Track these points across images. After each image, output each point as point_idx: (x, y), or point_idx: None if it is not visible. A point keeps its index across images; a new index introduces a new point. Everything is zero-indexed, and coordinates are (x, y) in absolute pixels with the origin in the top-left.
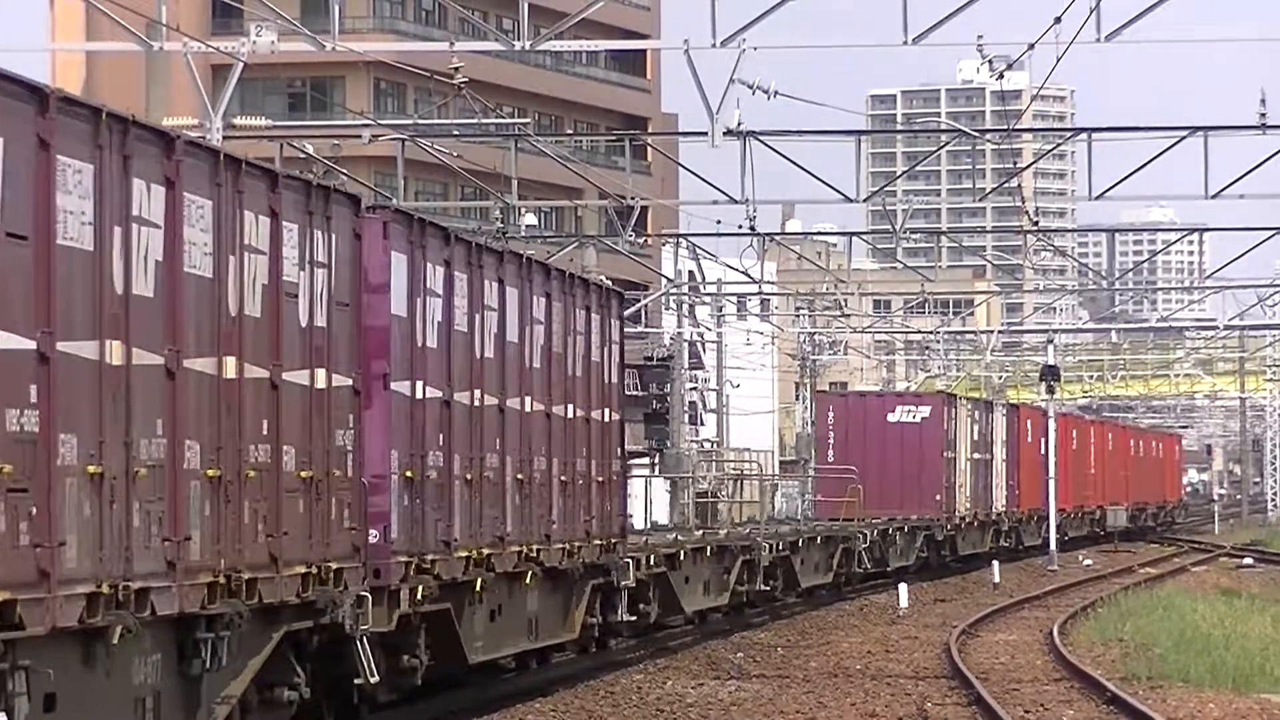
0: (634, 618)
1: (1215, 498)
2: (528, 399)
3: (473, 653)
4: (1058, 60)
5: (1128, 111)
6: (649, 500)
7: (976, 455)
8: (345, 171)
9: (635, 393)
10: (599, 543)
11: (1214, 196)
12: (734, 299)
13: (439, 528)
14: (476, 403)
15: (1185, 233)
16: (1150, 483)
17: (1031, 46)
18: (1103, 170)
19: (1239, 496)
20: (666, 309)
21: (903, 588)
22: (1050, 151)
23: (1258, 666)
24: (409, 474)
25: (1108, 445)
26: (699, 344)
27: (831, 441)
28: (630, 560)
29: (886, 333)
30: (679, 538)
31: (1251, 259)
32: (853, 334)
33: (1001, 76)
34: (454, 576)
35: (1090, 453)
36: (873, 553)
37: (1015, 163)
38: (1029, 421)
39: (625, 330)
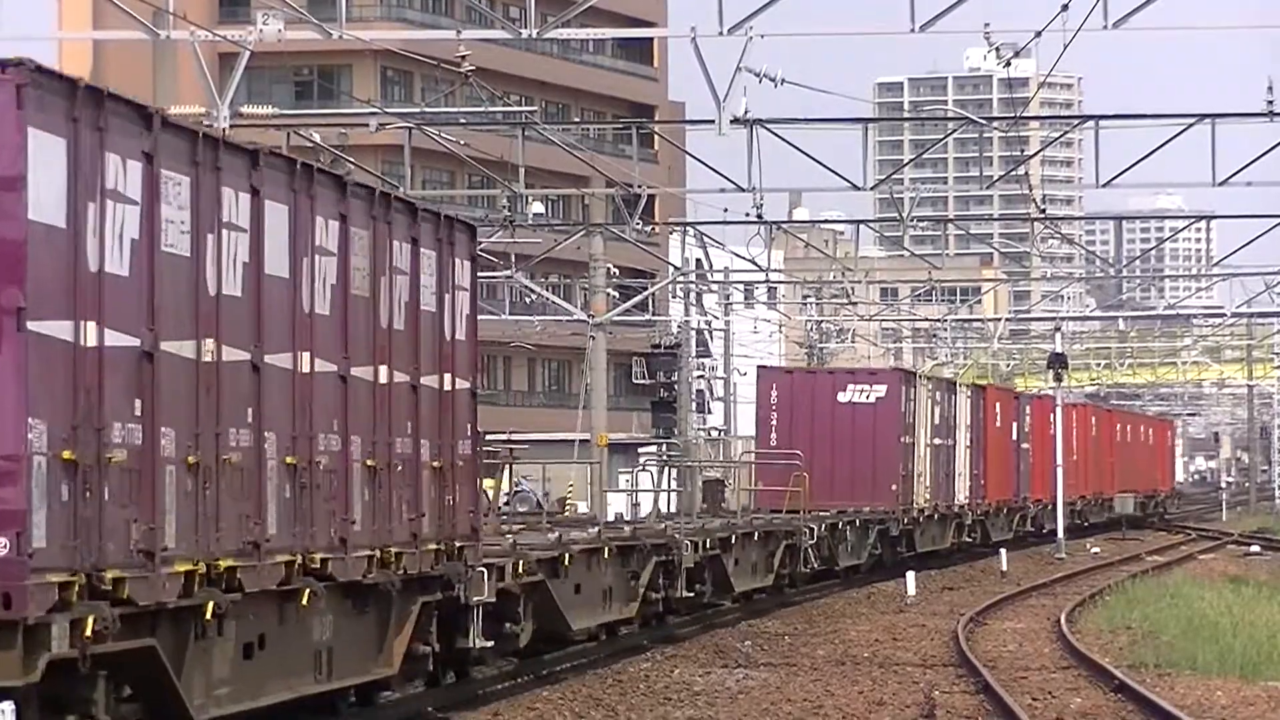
0: (491, 642)
1: (1223, 485)
2: (305, 355)
3: (202, 708)
4: (1065, 47)
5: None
6: (658, 491)
7: (937, 440)
8: (353, 160)
9: (643, 381)
10: (434, 548)
11: (1221, 184)
12: (741, 287)
13: (135, 531)
14: (209, 356)
15: (1192, 220)
16: (1139, 471)
17: (1039, 34)
18: (1110, 158)
19: (1246, 484)
20: (674, 297)
21: (910, 576)
22: (1057, 139)
23: (1265, 654)
24: (67, 455)
25: (1090, 430)
26: (706, 332)
27: (774, 424)
28: (485, 570)
29: (894, 320)
30: (563, 537)
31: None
32: (860, 322)
33: (1009, 64)
34: (159, 601)
35: (1070, 439)
36: (820, 550)
37: (1022, 150)
38: (998, 404)
39: (479, 273)
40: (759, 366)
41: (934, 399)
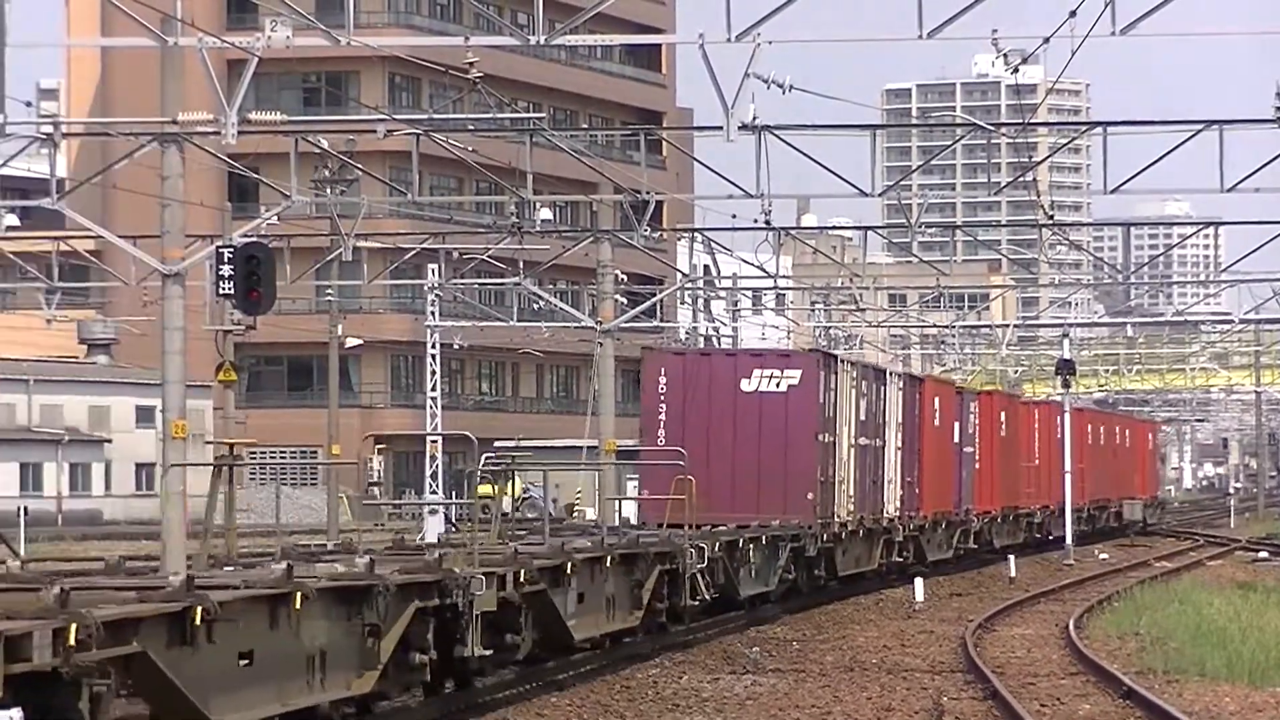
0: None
1: (1231, 491)
2: None
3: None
4: (1073, 54)
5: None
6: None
7: (864, 440)
8: (360, 166)
9: None
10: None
11: (1229, 190)
12: (749, 293)
13: None
14: None
15: (1201, 226)
16: (1112, 477)
17: (1047, 40)
18: (1118, 164)
19: (1255, 490)
20: (682, 303)
21: (918, 582)
22: (1065, 145)
23: (1274, 660)
24: None
25: (1054, 432)
26: (714, 338)
27: (663, 417)
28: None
29: (902, 327)
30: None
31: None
32: (868, 328)
33: (1016, 70)
34: None
35: (1029, 440)
36: (713, 576)
37: (1030, 157)
38: (936, 399)
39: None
40: (644, 347)
41: (859, 389)
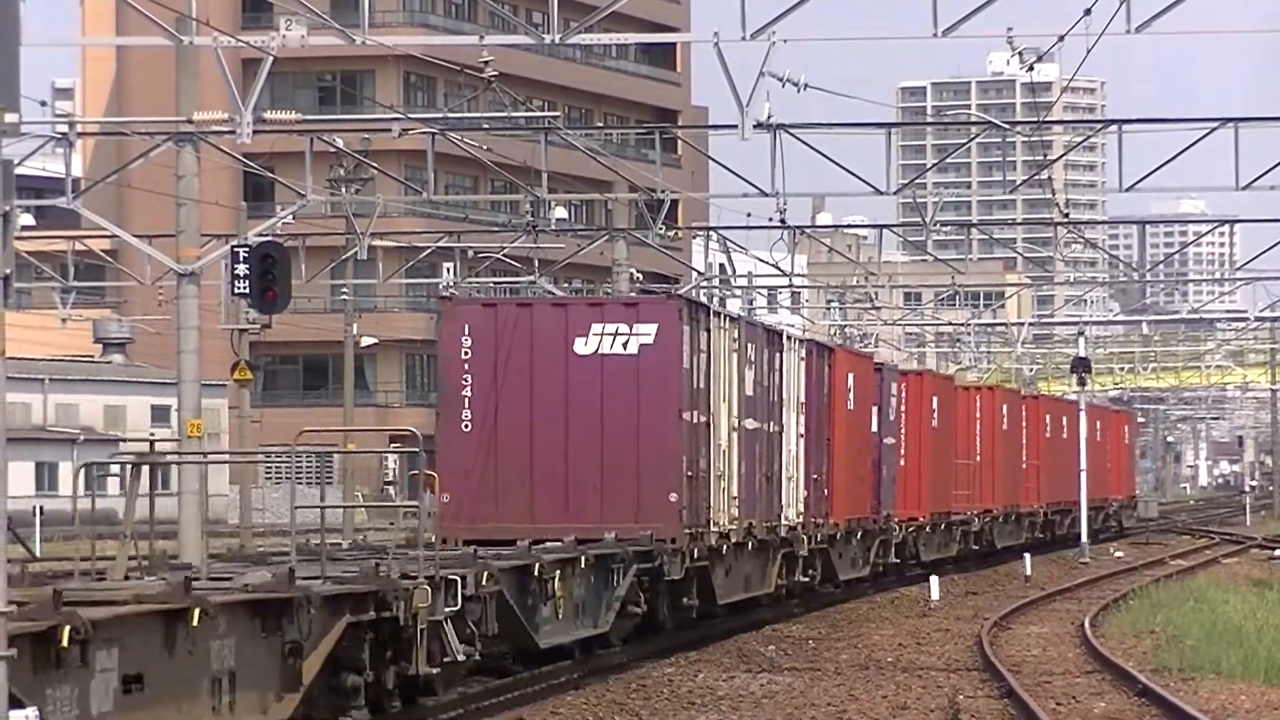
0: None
1: (1246, 489)
2: None
3: None
4: (1088, 52)
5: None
6: None
7: (751, 423)
8: (375, 165)
9: None
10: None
11: (1245, 188)
12: (765, 292)
13: None
14: None
15: (1216, 224)
16: (1073, 476)
17: (1062, 38)
18: (1133, 162)
19: (1270, 487)
20: None
21: (934, 580)
22: (1081, 143)
23: None
24: None
25: (1000, 423)
26: None
27: (469, 393)
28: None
29: (917, 325)
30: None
31: None
32: (883, 326)
33: (1032, 68)
34: None
35: (967, 431)
36: (484, 623)
37: (1045, 155)
38: (850, 375)
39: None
40: (440, 297)
41: (744, 354)
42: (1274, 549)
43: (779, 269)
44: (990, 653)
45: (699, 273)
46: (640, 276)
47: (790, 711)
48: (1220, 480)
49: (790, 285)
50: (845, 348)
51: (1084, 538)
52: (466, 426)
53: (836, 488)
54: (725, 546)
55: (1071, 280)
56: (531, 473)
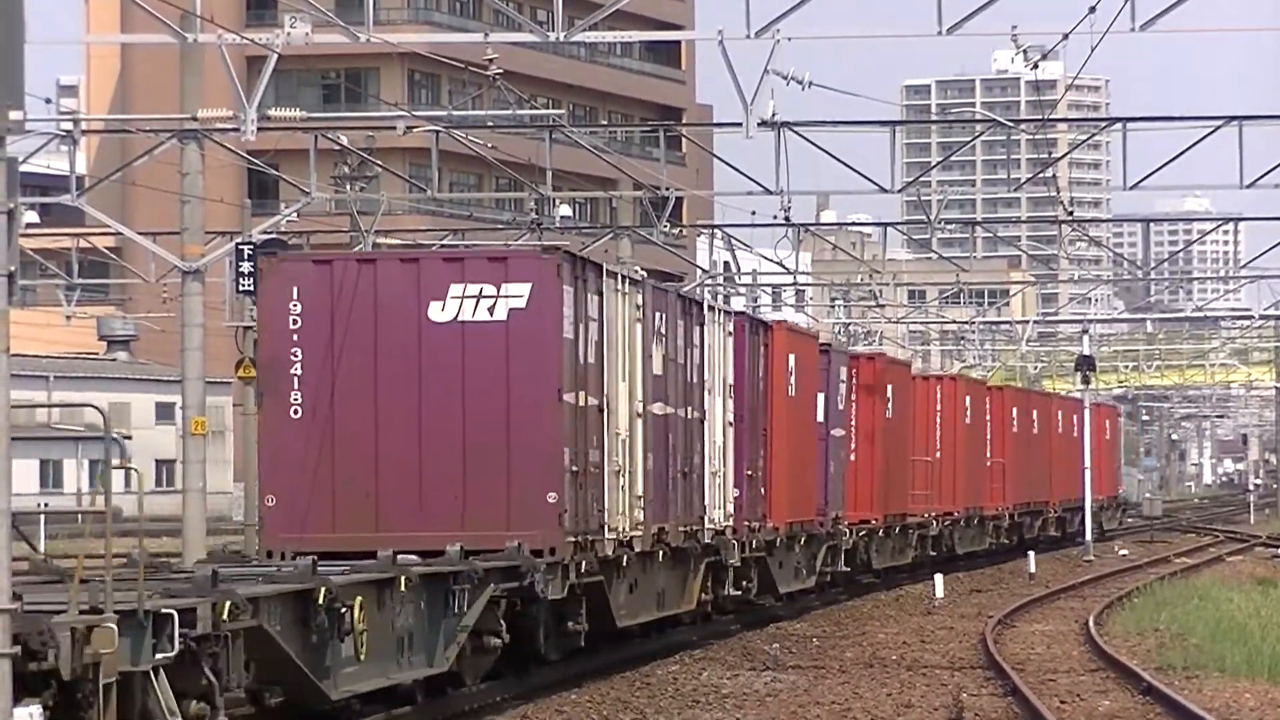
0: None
1: (1251, 487)
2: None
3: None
4: (1092, 50)
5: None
6: None
7: (663, 407)
8: (380, 163)
9: None
10: None
11: (1249, 186)
12: (769, 289)
13: None
14: None
15: (1220, 222)
16: (1050, 474)
17: (1066, 36)
18: (1138, 160)
19: (1275, 486)
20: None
21: (938, 578)
22: (1085, 141)
23: None
24: None
25: (964, 417)
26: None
27: (299, 370)
28: None
29: (921, 323)
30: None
31: None
32: (887, 324)
33: (1036, 66)
34: None
35: (926, 425)
36: (225, 675)
37: (1050, 153)
38: (792, 356)
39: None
40: (262, 254)
41: (652, 325)
42: (1278, 547)
43: (783, 267)
44: (994, 651)
45: (703, 270)
46: (645, 274)
47: (794, 709)
48: (1224, 479)
49: (795, 283)
50: (785, 324)
51: (1089, 535)
52: (296, 412)
53: (775, 486)
54: (627, 557)
55: (1076, 278)
56: (376, 470)
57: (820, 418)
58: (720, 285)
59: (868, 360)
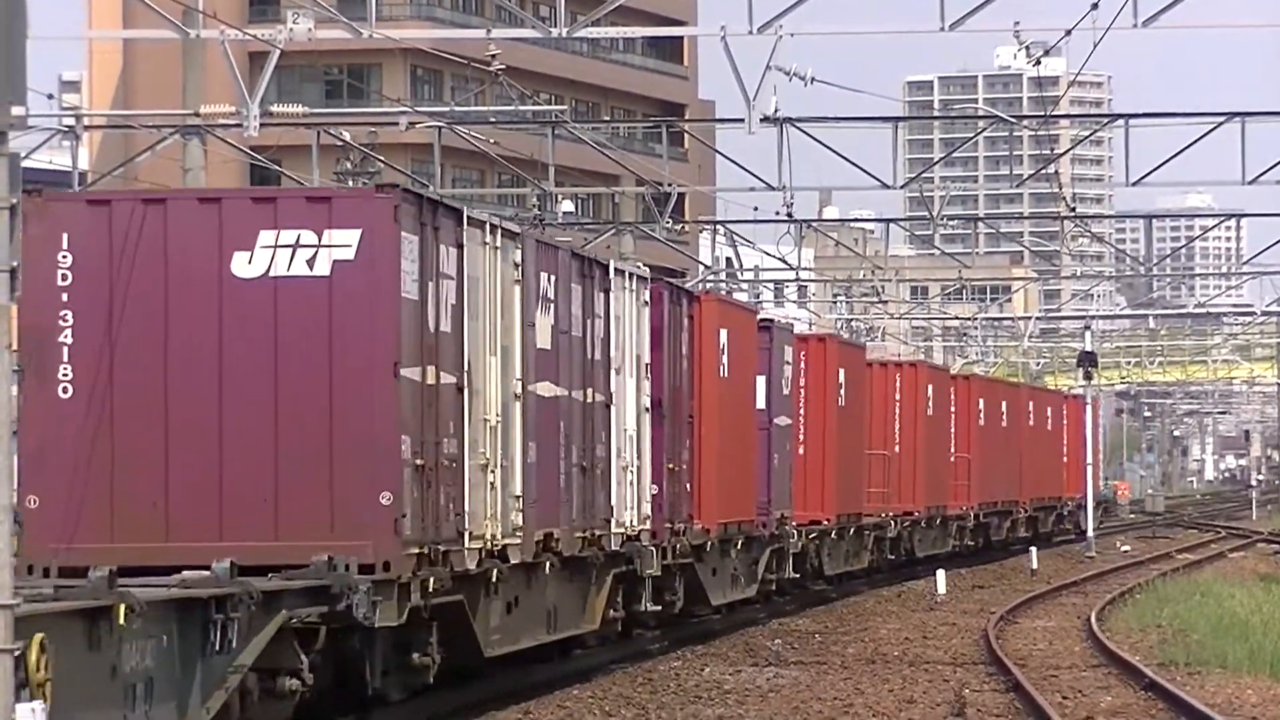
0: None
1: (1253, 483)
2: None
3: None
4: (1095, 46)
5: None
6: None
7: (550, 389)
8: (382, 158)
9: None
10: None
11: (1251, 182)
12: (771, 285)
13: None
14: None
15: (1223, 218)
16: (1022, 472)
17: (1069, 33)
18: (1140, 156)
19: (1276, 482)
20: None
21: (940, 574)
22: (1087, 137)
23: None
24: None
25: (923, 406)
26: None
27: (69, 339)
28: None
29: (924, 319)
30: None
31: None
32: (890, 320)
33: (1039, 62)
34: None
35: (883, 415)
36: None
37: (1053, 149)
38: (724, 331)
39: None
40: (25, 193)
41: (534, 288)
42: None
43: (786, 263)
44: (996, 646)
45: (706, 266)
46: (647, 270)
47: (796, 705)
48: (1226, 475)
49: (797, 279)
50: (716, 295)
51: (1090, 532)
52: (65, 390)
53: (705, 481)
54: (497, 571)
55: (1078, 274)
56: (166, 464)
57: (761, 404)
58: (722, 281)
59: (817, 341)
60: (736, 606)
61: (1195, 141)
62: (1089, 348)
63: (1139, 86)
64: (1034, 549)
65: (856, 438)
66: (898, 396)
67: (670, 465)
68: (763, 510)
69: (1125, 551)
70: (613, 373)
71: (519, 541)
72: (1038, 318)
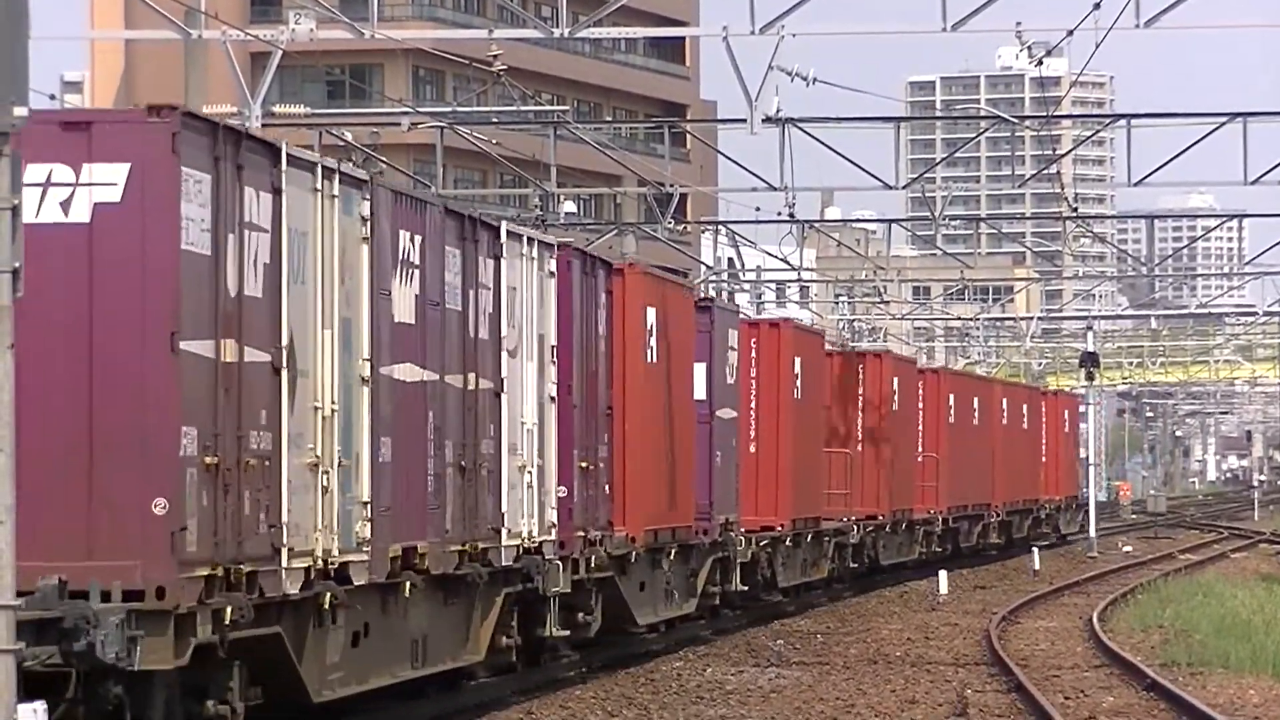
0: None
1: (1255, 484)
2: None
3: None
4: (1097, 46)
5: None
6: None
7: (412, 373)
8: (384, 159)
9: None
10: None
11: (1253, 182)
12: (773, 286)
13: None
14: None
15: (1225, 219)
16: (996, 473)
17: (1071, 33)
18: (1142, 156)
19: (1278, 482)
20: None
21: (943, 575)
22: (1089, 138)
23: None
24: None
25: (889, 400)
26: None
27: None
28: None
29: (926, 319)
30: None
31: None
32: (892, 321)
33: (1041, 63)
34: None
35: (844, 408)
36: None
37: (1055, 149)
38: (651, 310)
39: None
40: None
41: (389, 247)
42: None
43: (788, 263)
44: (998, 647)
45: (708, 267)
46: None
47: (798, 705)
48: (1228, 475)
49: (799, 280)
50: (643, 267)
51: (1092, 532)
52: None
53: (630, 482)
54: (329, 598)
55: (1080, 275)
56: None
57: (700, 394)
58: (725, 281)
59: (770, 327)
60: (676, 624)
61: (1197, 142)
62: (1091, 348)
63: (1141, 87)
64: (1036, 549)
65: (815, 434)
66: (860, 390)
67: (584, 464)
68: (703, 515)
69: (1127, 552)
70: (505, 355)
71: (365, 558)
72: (1040, 318)
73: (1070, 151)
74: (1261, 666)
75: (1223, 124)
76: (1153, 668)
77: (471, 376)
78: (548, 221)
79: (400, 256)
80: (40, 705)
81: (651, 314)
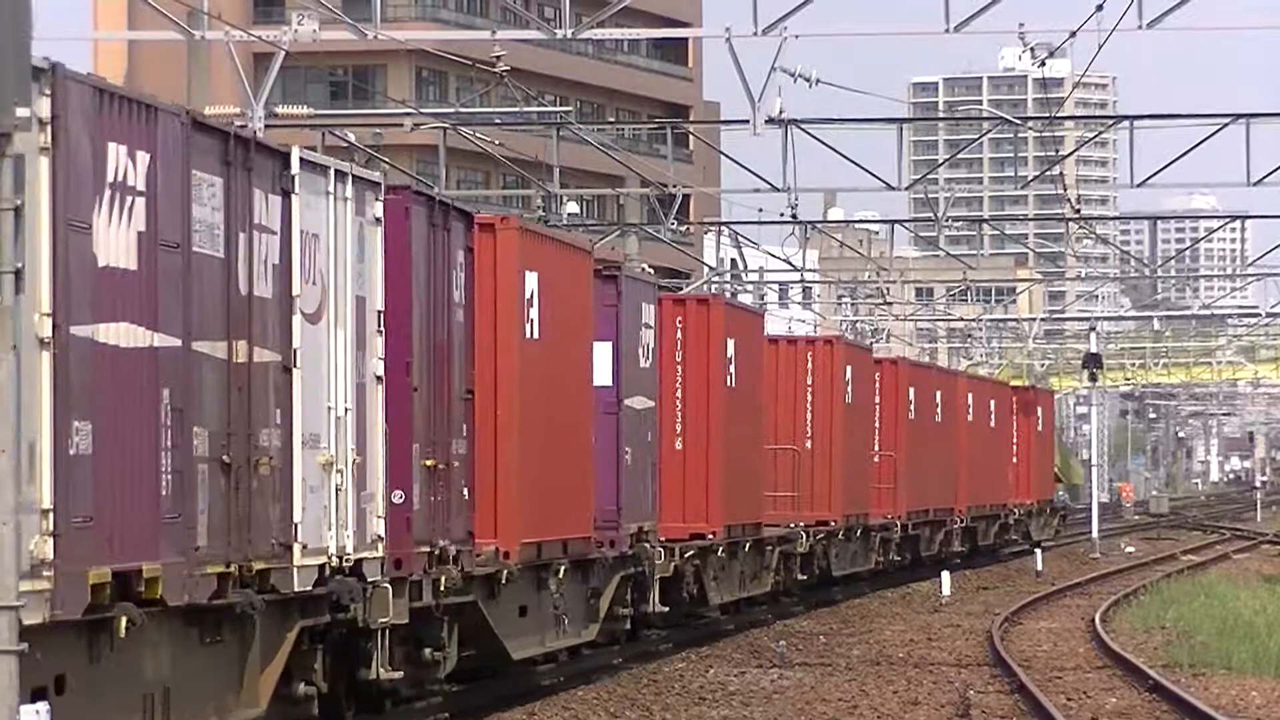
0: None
1: (1257, 485)
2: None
3: None
4: (1099, 47)
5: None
6: None
7: (129, 337)
8: (387, 160)
9: None
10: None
11: (1256, 184)
12: (776, 287)
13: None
14: None
15: (1227, 220)
16: (961, 474)
17: (1073, 34)
18: (1144, 157)
19: None
20: None
21: (945, 576)
22: (1092, 139)
23: None
24: None
25: (841, 392)
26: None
27: None
28: None
29: (929, 320)
30: None
31: None
32: (895, 322)
33: (1043, 64)
34: None
35: (791, 399)
36: None
37: (1057, 150)
38: (535, 270)
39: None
40: None
41: (94, 163)
42: None
43: (790, 264)
44: (1001, 648)
45: (711, 268)
46: (652, 272)
47: (801, 706)
48: (1231, 476)
49: (802, 280)
50: (522, 223)
51: (1094, 533)
52: None
53: (502, 485)
54: None
55: (1083, 276)
56: None
57: (604, 379)
58: (727, 282)
59: (698, 304)
60: (580, 652)
61: (1200, 143)
62: (1094, 349)
63: (1144, 88)
64: (1039, 551)
65: (755, 428)
66: (809, 380)
67: (430, 462)
68: (608, 523)
69: (1130, 553)
70: (300, 319)
71: (45, 586)
72: (1042, 319)
73: (1073, 153)
74: (1264, 668)
75: (1225, 125)
76: (1155, 669)
77: (241, 345)
78: (550, 222)
79: (113, 179)
80: (43, 706)
81: (532, 279)
